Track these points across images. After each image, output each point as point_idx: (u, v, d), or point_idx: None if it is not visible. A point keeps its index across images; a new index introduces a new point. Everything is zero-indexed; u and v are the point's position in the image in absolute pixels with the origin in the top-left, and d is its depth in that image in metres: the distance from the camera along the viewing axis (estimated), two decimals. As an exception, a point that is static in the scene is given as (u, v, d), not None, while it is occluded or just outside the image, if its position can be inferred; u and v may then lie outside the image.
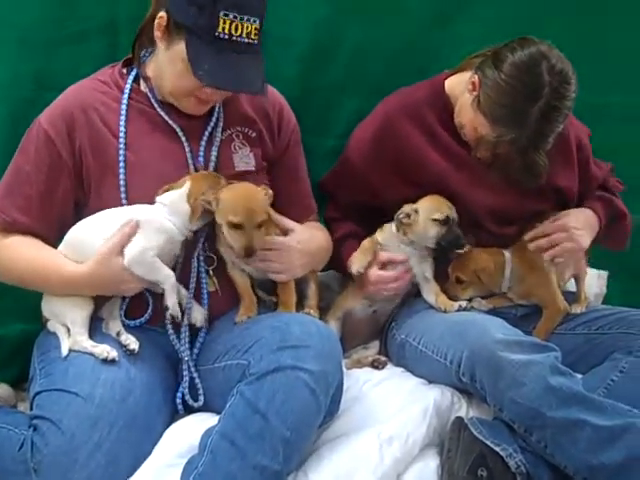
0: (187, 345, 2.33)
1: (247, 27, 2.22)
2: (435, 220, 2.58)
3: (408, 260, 2.63)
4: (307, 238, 2.48)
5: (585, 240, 2.66)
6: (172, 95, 2.37)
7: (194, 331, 2.37)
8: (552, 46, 2.41)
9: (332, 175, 2.85)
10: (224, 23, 2.19)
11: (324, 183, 2.87)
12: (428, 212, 2.59)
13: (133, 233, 2.26)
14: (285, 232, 2.45)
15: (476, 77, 2.46)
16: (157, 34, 2.30)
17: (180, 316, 2.30)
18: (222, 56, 2.23)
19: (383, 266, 2.64)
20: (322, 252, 2.60)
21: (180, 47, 2.25)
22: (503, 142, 2.43)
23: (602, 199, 2.77)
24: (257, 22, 2.24)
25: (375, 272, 2.62)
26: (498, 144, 2.45)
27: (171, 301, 2.27)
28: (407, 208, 2.60)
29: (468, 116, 2.52)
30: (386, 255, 2.64)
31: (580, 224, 2.65)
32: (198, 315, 2.36)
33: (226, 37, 2.21)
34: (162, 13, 2.27)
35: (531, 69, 2.37)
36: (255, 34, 2.25)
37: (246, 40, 2.23)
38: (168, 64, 2.31)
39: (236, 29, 2.21)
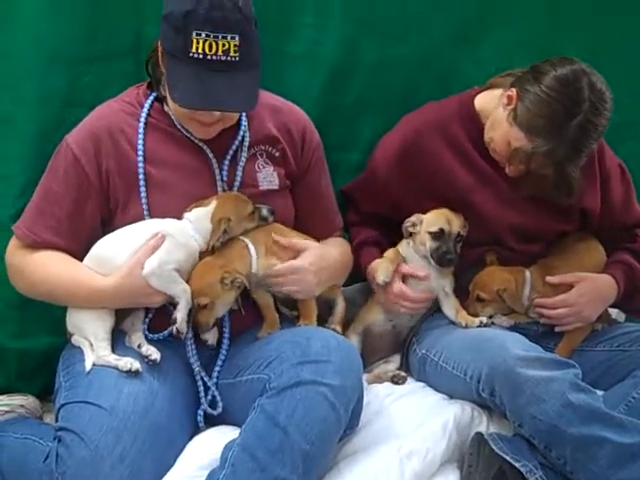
0: (196, 356, 2.36)
1: (224, 44, 2.19)
2: (429, 233, 2.60)
3: (430, 279, 2.64)
4: (319, 257, 2.47)
5: (590, 314, 2.65)
6: (181, 120, 2.40)
7: (216, 347, 2.41)
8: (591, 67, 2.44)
9: (356, 184, 2.87)
10: (197, 43, 2.18)
11: (347, 191, 2.89)
12: (427, 224, 2.61)
13: (158, 246, 2.29)
14: (299, 253, 2.45)
15: (514, 90, 2.47)
16: (161, 63, 2.34)
17: (185, 333, 2.31)
18: (197, 76, 2.22)
19: (404, 278, 2.64)
20: (337, 267, 2.58)
21: None
22: (538, 155, 2.43)
23: (625, 264, 2.73)
24: (236, 38, 2.20)
25: (399, 286, 2.62)
26: (533, 157, 2.44)
27: (180, 316, 2.28)
28: (414, 217, 2.64)
29: (501, 130, 2.52)
30: (407, 268, 2.64)
31: (587, 296, 2.63)
32: (210, 333, 2.38)
33: (200, 57, 2.19)
34: (159, 42, 2.31)
35: (573, 83, 2.39)
36: (235, 50, 2.21)
37: (223, 57, 2.20)
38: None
39: (210, 47, 2.19)
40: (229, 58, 2.21)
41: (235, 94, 2.26)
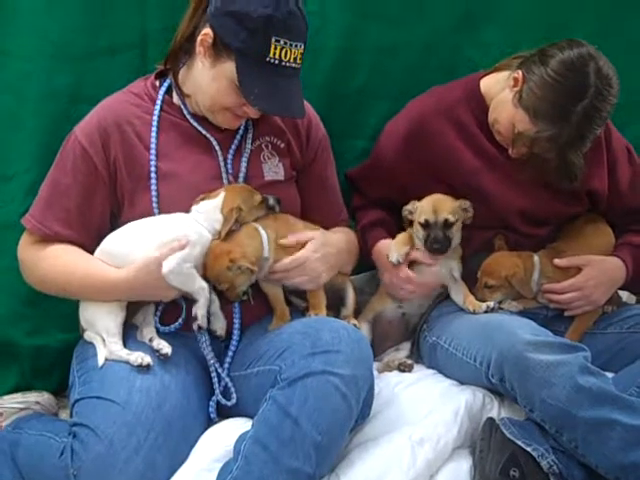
0: (210, 347, 2.37)
1: (294, 52, 2.28)
2: (418, 223, 2.60)
3: (435, 266, 2.63)
4: (323, 243, 2.48)
5: (599, 298, 2.65)
6: (209, 109, 2.41)
7: (226, 339, 2.42)
8: (599, 51, 2.43)
9: (362, 170, 2.87)
10: (275, 49, 2.24)
11: (353, 176, 2.89)
12: (417, 214, 2.61)
13: (180, 250, 2.29)
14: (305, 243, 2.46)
15: (520, 73, 2.47)
16: (200, 50, 2.33)
17: (206, 327, 2.34)
18: (271, 81, 2.28)
19: (411, 263, 2.64)
20: (343, 253, 2.59)
21: (227, 66, 2.29)
22: (541, 139, 2.43)
23: (633, 246, 2.72)
24: (302, 47, 2.30)
25: (406, 271, 2.63)
26: (536, 141, 2.44)
27: (201, 312, 2.31)
28: (410, 205, 2.64)
29: (506, 112, 2.52)
30: (418, 254, 2.64)
31: (595, 280, 2.63)
32: (219, 324, 2.40)
33: (276, 62, 2.26)
34: (207, 30, 2.30)
35: (579, 68, 2.38)
36: (300, 59, 2.31)
37: (293, 65, 2.29)
38: (211, 80, 2.34)
39: (285, 54, 2.26)
40: (295, 65, 2.31)
41: (298, 100, 2.38)
